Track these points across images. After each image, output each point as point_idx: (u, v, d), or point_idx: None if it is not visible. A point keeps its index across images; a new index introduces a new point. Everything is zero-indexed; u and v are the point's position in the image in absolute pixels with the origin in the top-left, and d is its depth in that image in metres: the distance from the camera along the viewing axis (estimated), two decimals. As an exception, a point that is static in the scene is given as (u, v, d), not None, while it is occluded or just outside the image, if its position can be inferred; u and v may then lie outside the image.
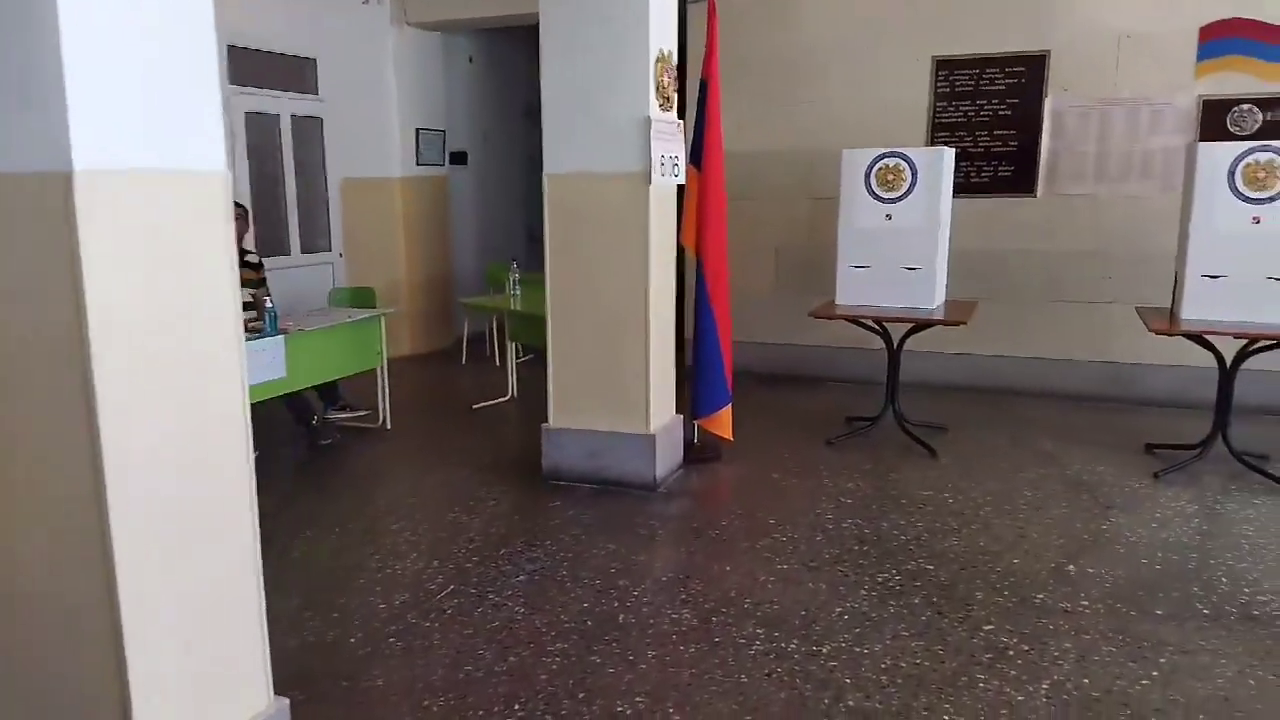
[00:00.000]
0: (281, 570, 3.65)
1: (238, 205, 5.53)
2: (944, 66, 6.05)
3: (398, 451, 5.29)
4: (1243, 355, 4.51)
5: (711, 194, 4.60)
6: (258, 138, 6.39)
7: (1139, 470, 4.62)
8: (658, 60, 4.11)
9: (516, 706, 2.63)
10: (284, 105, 6.56)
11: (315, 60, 6.82)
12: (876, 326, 5.13)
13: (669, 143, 4.28)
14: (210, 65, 1.87)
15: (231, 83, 6.13)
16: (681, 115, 4.51)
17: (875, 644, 2.94)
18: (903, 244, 5.06)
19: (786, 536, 3.85)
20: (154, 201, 1.78)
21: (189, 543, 1.91)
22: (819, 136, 6.30)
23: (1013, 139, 5.96)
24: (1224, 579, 3.38)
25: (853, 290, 5.22)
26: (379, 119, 7.50)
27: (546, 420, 4.56)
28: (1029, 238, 6.05)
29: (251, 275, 5.59)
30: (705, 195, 4.61)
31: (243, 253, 5.57)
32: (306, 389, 5.56)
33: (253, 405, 5.81)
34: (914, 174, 4.99)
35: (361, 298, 6.26)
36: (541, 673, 2.81)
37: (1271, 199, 4.30)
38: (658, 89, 4.14)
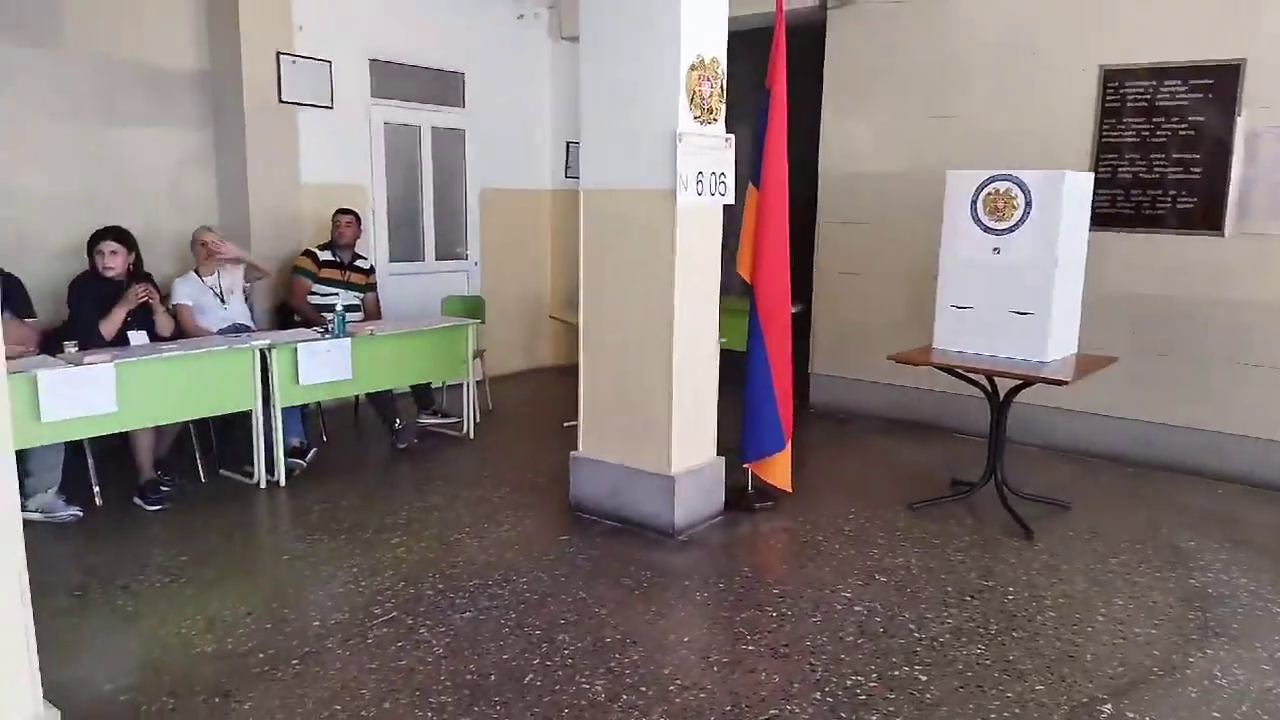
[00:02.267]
0: (267, 571, 3.71)
1: (351, 212, 5.80)
2: (1114, 78, 5.11)
3: (463, 462, 5.26)
4: None
5: (770, 217, 4.15)
6: (396, 148, 6.66)
7: (1293, 591, 3.59)
8: (693, 67, 3.74)
9: (347, 761, 2.42)
10: (424, 117, 6.79)
11: (463, 74, 7.01)
12: (976, 378, 4.40)
13: (710, 158, 3.90)
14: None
15: (372, 95, 6.43)
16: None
17: (783, 764, 2.43)
18: (1011, 283, 4.30)
19: (779, 612, 3.34)
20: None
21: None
22: (964, 156, 5.54)
23: (1195, 165, 4.91)
24: (1321, 762, 2.49)
25: (952, 333, 4.52)
26: (528, 131, 7.60)
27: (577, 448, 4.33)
28: (1214, 285, 4.96)
29: (361, 279, 5.82)
30: (763, 218, 4.16)
31: (355, 256, 5.82)
32: (398, 392, 5.72)
33: (341, 402, 5.85)
34: (1028, 200, 4.22)
35: (470, 307, 6.34)
36: (402, 727, 2.59)
37: None
38: (693, 99, 3.77)
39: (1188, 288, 5.04)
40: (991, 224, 4.35)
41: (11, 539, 2.02)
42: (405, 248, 6.87)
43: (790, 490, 4.43)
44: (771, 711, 2.68)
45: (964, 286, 4.47)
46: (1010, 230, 4.30)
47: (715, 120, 3.93)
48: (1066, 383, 3.98)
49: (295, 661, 2.94)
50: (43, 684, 2.20)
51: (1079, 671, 2.94)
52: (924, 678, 2.89)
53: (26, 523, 3.95)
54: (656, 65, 3.72)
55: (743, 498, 4.45)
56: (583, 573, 3.67)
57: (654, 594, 3.49)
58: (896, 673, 2.92)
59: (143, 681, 2.81)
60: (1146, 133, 5.04)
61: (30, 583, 3.42)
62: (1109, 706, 2.74)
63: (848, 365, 6.34)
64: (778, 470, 4.39)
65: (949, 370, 4.40)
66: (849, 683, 2.85)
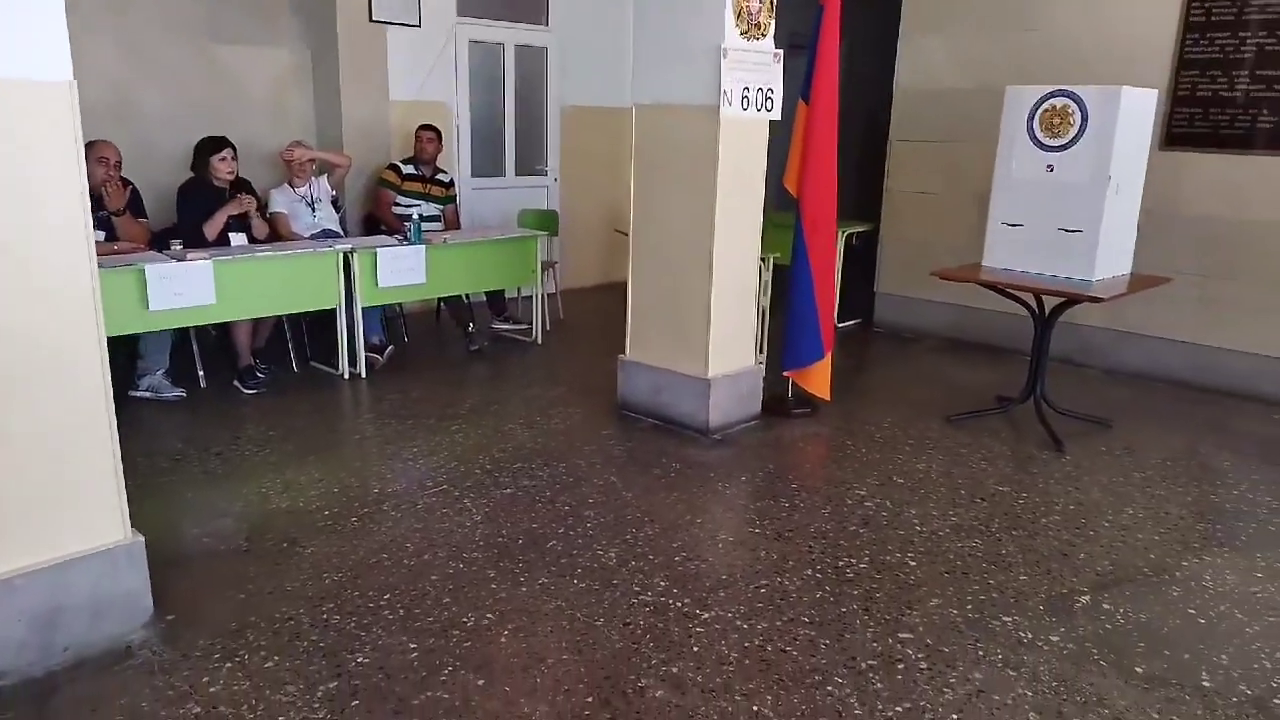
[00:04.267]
0: (340, 447, 4.14)
1: (432, 128, 6.12)
2: (1198, -11, 4.90)
3: (527, 364, 5.64)
4: None
5: (817, 132, 4.24)
6: (480, 66, 6.93)
7: (1320, 512, 3.60)
8: (740, -17, 3.85)
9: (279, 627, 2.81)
10: (509, 35, 7.02)
11: (548, -8, 7.19)
12: (1023, 296, 4.44)
13: (757, 74, 4.02)
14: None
15: (458, 14, 6.69)
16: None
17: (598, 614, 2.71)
18: (1063, 201, 4.30)
19: (791, 503, 3.58)
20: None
21: (30, 386, 2.28)
22: (1042, 73, 5.41)
23: (1278, 82, 4.71)
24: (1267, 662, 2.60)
25: (1002, 252, 4.56)
26: (611, 50, 7.72)
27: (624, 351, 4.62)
28: (1289, 208, 4.80)
29: (441, 192, 6.18)
30: (810, 133, 4.26)
31: (436, 170, 6.17)
32: (474, 300, 6.11)
33: (425, 307, 6.29)
34: (1084, 117, 4.18)
35: (544, 221, 6.63)
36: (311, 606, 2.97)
37: None
38: (740, 15, 3.88)
39: (1265, 212, 4.88)
40: (1047, 141, 4.33)
41: (101, 381, 2.38)
42: (487, 163, 7.18)
43: (829, 399, 4.61)
44: (762, 582, 2.95)
45: (1016, 204, 4.48)
46: (1065, 148, 4.28)
47: (764, 36, 4.03)
48: (1102, 300, 4.00)
49: (354, 519, 3.36)
50: (135, 524, 2.60)
51: (1067, 568, 3.10)
52: (913, 563, 3.10)
53: (137, 400, 4.57)
54: (703, -20, 3.84)
55: (782, 404, 4.66)
56: (617, 462, 3.98)
57: (679, 483, 3.78)
58: (888, 558, 3.14)
59: (223, 528, 3.28)
60: (1230, 49, 4.84)
61: (135, 447, 3.97)
62: (1086, 598, 2.89)
63: (914, 285, 6.37)
64: (817, 379, 4.57)
65: (993, 288, 4.45)
66: (840, 563, 3.09)
